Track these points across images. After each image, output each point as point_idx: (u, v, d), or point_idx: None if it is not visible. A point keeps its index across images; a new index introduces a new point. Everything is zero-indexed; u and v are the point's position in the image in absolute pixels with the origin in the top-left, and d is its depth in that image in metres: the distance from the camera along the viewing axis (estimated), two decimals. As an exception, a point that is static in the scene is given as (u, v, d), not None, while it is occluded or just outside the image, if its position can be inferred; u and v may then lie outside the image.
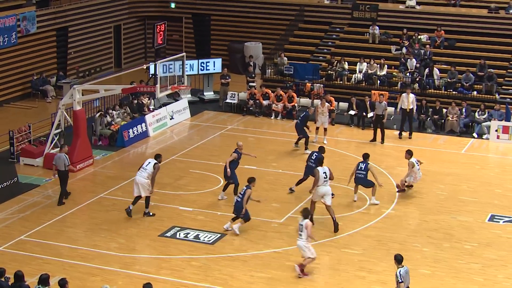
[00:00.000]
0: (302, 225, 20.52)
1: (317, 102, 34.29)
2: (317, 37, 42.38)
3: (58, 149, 28.90)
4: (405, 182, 26.30)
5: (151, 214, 24.35)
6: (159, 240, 22.72)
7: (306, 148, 30.42)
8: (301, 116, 31.02)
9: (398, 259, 18.12)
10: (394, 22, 41.69)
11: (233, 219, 23.26)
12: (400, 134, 32.77)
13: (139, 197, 24.17)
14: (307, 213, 20.85)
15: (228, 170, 25.19)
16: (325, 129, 31.98)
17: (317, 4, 43.66)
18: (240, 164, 27.95)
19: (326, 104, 32.27)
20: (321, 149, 26.06)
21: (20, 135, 29.93)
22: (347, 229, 23.55)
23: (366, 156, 25.79)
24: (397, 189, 26.51)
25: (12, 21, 36.28)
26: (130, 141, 31.66)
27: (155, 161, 24.29)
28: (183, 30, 46.59)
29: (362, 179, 25.49)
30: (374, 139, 32.24)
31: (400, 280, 17.89)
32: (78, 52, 41.66)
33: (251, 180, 23.14)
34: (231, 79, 38.12)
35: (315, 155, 25.81)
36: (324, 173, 23.40)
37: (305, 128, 30.61)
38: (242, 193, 22.95)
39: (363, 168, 25.48)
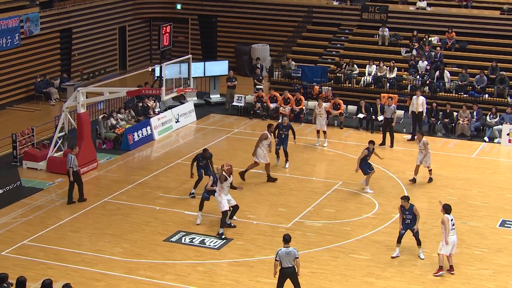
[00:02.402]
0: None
1: (326, 104, 34.39)
2: (325, 39, 42.51)
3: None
4: (428, 166, 27.74)
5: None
6: (164, 245, 22.85)
7: (278, 157, 29.61)
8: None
9: (286, 239, 19.02)
10: (404, 23, 41.81)
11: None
12: (412, 137, 32.80)
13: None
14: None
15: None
16: (324, 132, 32.03)
17: (325, 5, 43.80)
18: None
19: (324, 104, 32.31)
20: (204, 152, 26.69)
21: (23, 138, 30.11)
22: (355, 234, 23.65)
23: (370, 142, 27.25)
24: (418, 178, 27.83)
25: (15, 22, 36.50)
26: (134, 145, 31.82)
27: None
28: (189, 32, 46.76)
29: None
30: (383, 143, 32.33)
31: (276, 259, 18.93)
32: (82, 54, 41.88)
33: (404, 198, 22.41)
34: (237, 81, 38.27)
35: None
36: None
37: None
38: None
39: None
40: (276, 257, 18.97)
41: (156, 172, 29.00)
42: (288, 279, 19.20)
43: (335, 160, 30.57)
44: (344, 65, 39.02)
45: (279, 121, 31.47)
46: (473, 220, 24.96)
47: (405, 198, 22.20)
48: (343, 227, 24.23)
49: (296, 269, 19.07)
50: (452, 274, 21.31)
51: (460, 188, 27.91)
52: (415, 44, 39.90)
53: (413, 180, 28.02)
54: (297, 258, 19.03)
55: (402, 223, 22.17)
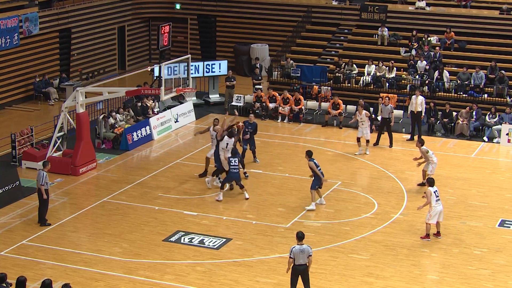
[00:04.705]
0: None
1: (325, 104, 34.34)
2: (324, 39, 42.51)
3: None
4: (429, 173, 26.76)
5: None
6: (163, 245, 22.85)
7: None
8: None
9: (299, 236, 19.01)
10: (403, 23, 41.83)
11: None
12: (411, 137, 32.78)
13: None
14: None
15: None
16: (368, 141, 31.24)
17: (324, 5, 43.81)
18: (246, 168, 28.18)
19: (364, 111, 31.09)
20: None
21: (22, 138, 30.08)
22: (354, 234, 23.65)
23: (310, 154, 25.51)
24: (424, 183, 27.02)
25: (14, 22, 36.49)
26: (134, 145, 31.81)
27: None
28: (188, 32, 46.77)
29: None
30: (377, 143, 32.18)
31: (290, 256, 18.86)
32: (81, 53, 41.87)
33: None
34: (236, 81, 38.27)
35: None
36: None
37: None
38: None
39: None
40: (290, 254, 18.90)
41: (155, 172, 28.99)
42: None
43: (334, 160, 30.55)
44: (343, 65, 39.02)
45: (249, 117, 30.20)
46: (472, 220, 24.96)
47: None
48: (342, 227, 24.23)
49: (308, 266, 19.04)
50: (439, 238, 22.95)
51: (459, 188, 27.90)
52: (414, 44, 39.92)
53: (422, 184, 27.57)
54: (311, 256, 19.03)
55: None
